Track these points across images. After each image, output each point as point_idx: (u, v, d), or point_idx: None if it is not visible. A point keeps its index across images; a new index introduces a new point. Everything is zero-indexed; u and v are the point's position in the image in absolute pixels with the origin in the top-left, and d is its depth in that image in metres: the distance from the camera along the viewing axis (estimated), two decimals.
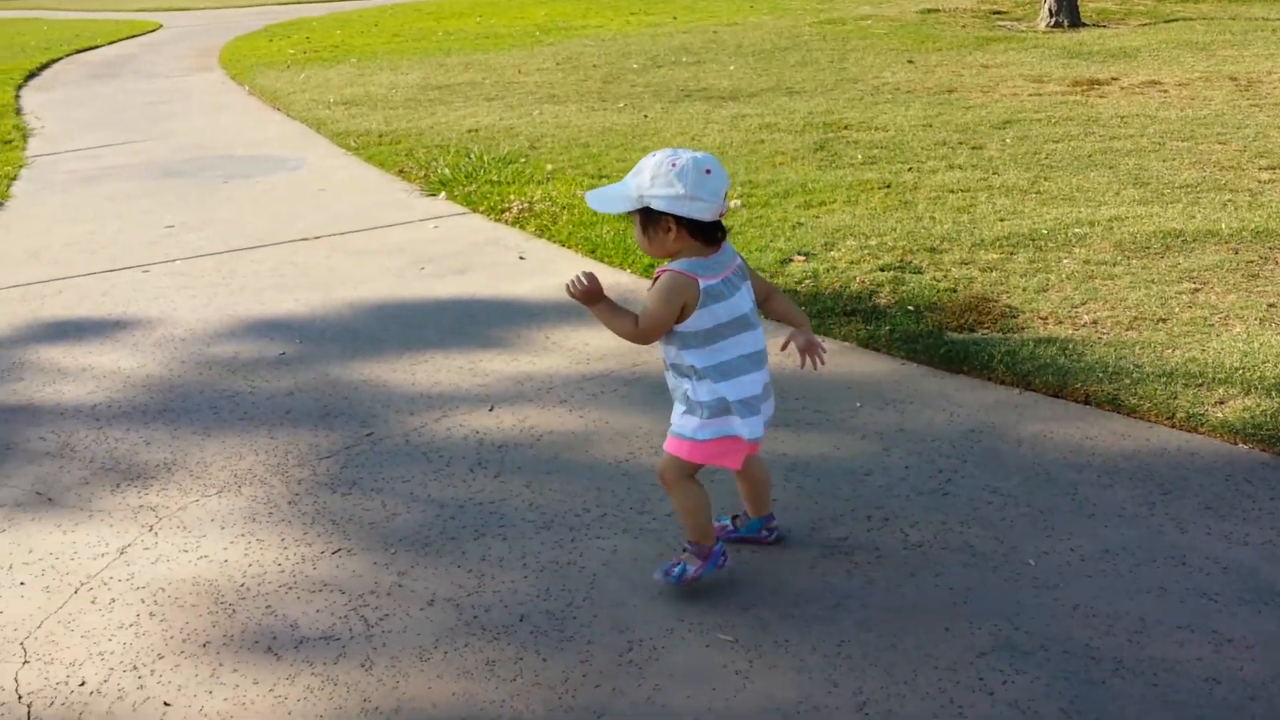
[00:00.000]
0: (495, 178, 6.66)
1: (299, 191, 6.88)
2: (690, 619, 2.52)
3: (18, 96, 12.33)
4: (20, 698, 2.41)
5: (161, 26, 21.25)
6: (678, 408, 2.54)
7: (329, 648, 2.50)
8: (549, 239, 5.52)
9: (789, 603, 2.56)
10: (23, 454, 3.50)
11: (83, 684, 2.43)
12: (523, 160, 7.11)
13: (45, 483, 3.31)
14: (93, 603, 2.72)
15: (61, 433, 3.63)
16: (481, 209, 6.13)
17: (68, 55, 16.67)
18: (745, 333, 2.46)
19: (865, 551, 2.74)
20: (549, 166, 6.90)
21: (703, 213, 2.35)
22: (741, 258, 2.53)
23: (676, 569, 2.60)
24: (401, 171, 7.15)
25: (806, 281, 4.54)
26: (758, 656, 2.39)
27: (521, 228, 5.75)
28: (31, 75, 14.38)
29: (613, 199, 2.45)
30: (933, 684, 2.28)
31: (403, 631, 2.55)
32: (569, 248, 5.35)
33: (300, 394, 3.84)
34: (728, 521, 2.81)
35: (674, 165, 2.32)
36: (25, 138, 9.58)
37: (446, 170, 6.88)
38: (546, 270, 5.05)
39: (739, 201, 5.80)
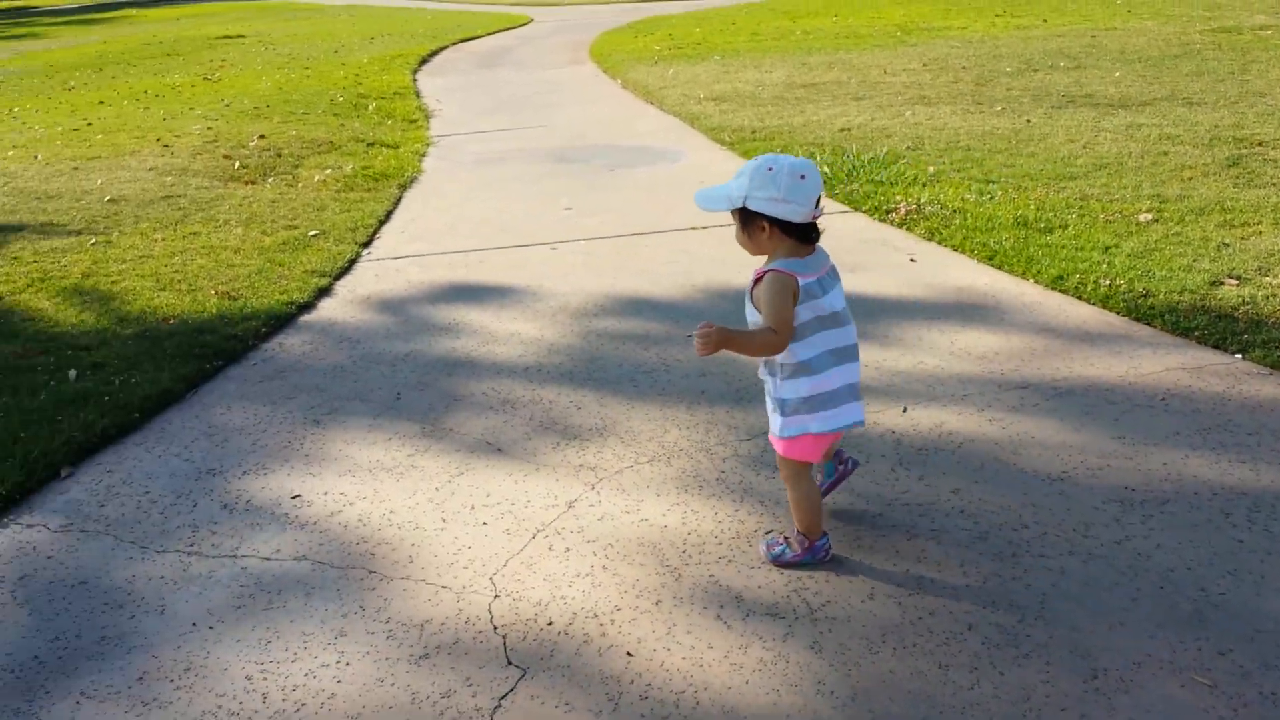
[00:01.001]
0: (877, 177, 6.60)
1: (681, 183, 7.13)
2: (1159, 655, 2.38)
3: (415, 80, 13.59)
4: (495, 629, 2.64)
5: (532, 21, 22.74)
6: (768, 403, 2.73)
7: (776, 625, 2.57)
8: (940, 243, 5.40)
9: (1271, 653, 2.36)
10: (470, 405, 3.85)
11: (550, 624, 2.63)
12: (903, 161, 7.00)
13: (493, 434, 3.62)
14: (550, 549, 2.94)
15: (500, 389, 3.96)
16: (865, 208, 6.09)
17: (453, 44, 18.20)
18: (836, 329, 2.62)
19: None
20: (930, 169, 6.75)
21: (794, 215, 2.51)
22: (832, 262, 2.66)
23: (779, 548, 2.83)
24: None
25: (1244, 308, 4.17)
26: (1242, 706, 2.22)
27: (909, 230, 5.66)
28: (424, 61, 15.83)
29: (715, 199, 2.62)
30: None
31: (847, 620, 2.57)
32: (964, 253, 5.21)
33: (711, 375, 3.97)
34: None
35: (770, 170, 2.50)
36: (427, 118, 10.55)
37: (826, 169, 6.89)
38: (941, 274, 4.94)
39: (1150, 215, 5.42)
